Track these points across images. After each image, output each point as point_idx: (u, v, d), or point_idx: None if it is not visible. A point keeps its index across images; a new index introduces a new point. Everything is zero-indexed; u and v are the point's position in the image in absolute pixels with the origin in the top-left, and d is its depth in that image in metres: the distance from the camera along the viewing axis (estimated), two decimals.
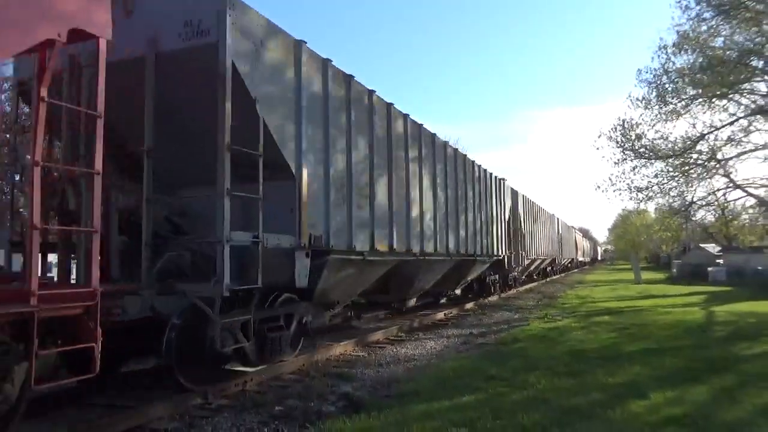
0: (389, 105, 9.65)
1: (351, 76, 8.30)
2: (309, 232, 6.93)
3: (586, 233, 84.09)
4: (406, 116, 10.32)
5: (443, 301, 15.93)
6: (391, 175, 9.49)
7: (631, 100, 23.29)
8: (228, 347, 5.86)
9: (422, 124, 11.09)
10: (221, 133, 5.54)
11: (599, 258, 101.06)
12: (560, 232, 37.43)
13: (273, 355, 6.80)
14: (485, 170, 15.95)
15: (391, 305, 12.88)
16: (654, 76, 22.27)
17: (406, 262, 10.33)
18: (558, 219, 36.64)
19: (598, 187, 25.69)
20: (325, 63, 7.64)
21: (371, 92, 8.94)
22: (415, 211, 10.44)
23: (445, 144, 12.63)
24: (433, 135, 11.74)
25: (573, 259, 50.16)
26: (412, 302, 13.05)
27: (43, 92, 4.07)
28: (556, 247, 34.61)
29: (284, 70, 6.77)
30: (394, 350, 9.14)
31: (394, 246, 9.38)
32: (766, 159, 24.90)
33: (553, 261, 34.56)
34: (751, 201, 28.36)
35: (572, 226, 52.47)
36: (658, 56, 21.89)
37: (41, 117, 4.05)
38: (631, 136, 23.60)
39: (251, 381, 6.55)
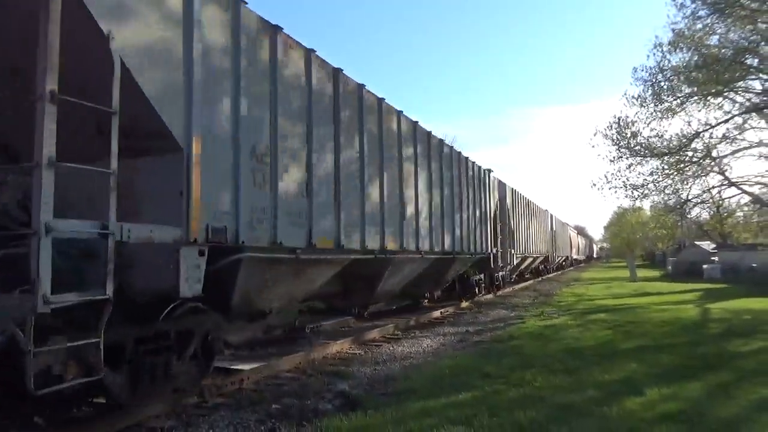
0: (337, 70, 7.82)
1: (278, 28, 6.47)
2: (206, 223, 5.25)
3: (581, 231, 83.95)
4: (361, 86, 8.52)
5: (425, 302, 14.91)
6: (339, 152, 7.70)
7: (626, 98, 23.45)
8: (58, 385, 4.02)
9: (385, 99, 9.35)
10: (42, 75, 3.83)
11: (595, 256, 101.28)
12: (554, 228, 35.45)
13: (156, 387, 5.19)
14: (467, 158, 14.07)
15: (352, 311, 11.54)
16: (650, 74, 22.43)
17: (362, 262, 8.55)
18: (551, 215, 34.87)
19: (594, 184, 25.89)
20: (238, 5, 5.81)
21: (309, 51, 7.13)
22: (372, 199, 8.67)
23: (416, 124, 10.74)
24: (400, 112, 10.01)
25: (567, 257, 47.46)
26: (378, 307, 11.98)
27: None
28: (549, 245, 32.74)
29: (162, 4, 4.92)
30: (391, 348, 9.15)
31: (342, 242, 7.67)
32: (760, 156, 24.96)
33: (546, 259, 32.48)
34: (746, 198, 28.63)
35: (567, 223, 49.65)
36: (654, 54, 22.07)
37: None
38: (626, 134, 23.76)
39: (248, 379, 6.55)
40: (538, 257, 28.69)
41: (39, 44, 3.88)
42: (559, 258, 40.90)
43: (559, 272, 42.04)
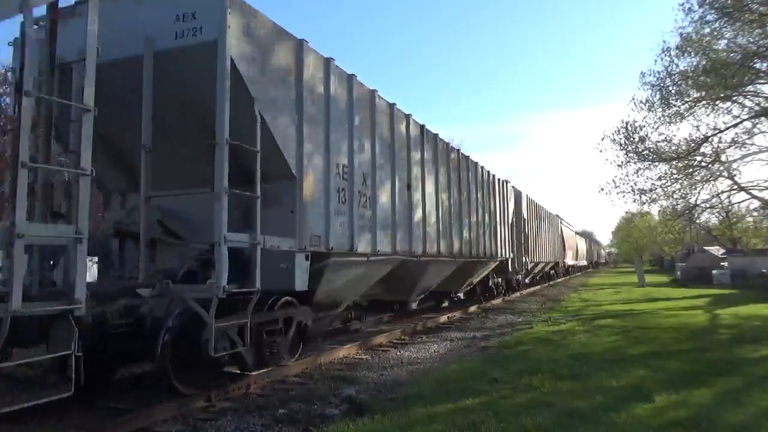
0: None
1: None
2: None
3: (589, 237, 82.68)
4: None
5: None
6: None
7: (634, 102, 23.30)
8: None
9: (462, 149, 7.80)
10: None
11: (602, 261, 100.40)
12: (525, 216, 21.54)
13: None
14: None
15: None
16: (657, 78, 22.28)
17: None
18: (520, 194, 21.14)
19: (602, 189, 25.72)
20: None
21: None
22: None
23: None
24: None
25: (559, 262, 34.20)
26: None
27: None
28: (512, 241, 19.19)
29: None
30: (398, 353, 9.14)
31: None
32: None
33: (505, 266, 18.51)
34: (756, 203, 28.28)
35: (558, 216, 34.32)
36: (662, 59, 21.90)
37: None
38: (634, 138, 23.61)
39: (255, 384, 6.56)
40: (487, 262, 15.98)
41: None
42: (541, 265, 26.74)
43: (544, 284, 29.74)
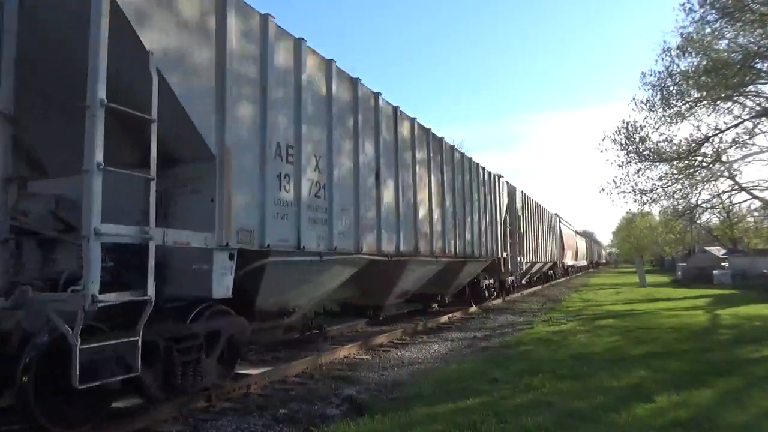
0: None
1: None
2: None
3: (589, 236, 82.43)
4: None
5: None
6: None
7: (635, 102, 23.32)
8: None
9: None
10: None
11: (603, 261, 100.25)
12: (519, 214, 20.15)
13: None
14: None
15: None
16: (658, 78, 22.32)
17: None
18: (517, 192, 20.28)
19: (603, 189, 25.75)
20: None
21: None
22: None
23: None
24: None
25: (557, 262, 32.70)
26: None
27: None
28: (510, 241, 18.24)
29: None
30: (398, 353, 9.14)
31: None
32: None
33: (498, 266, 16.89)
34: (756, 203, 28.33)
35: (557, 214, 32.99)
36: (662, 59, 21.95)
37: None
38: (635, 138, 23.62)
39: (255, 384, 6.56)
40: (472, 265, 14.20)
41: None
42: (538, 265, 25.24)
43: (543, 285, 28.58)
